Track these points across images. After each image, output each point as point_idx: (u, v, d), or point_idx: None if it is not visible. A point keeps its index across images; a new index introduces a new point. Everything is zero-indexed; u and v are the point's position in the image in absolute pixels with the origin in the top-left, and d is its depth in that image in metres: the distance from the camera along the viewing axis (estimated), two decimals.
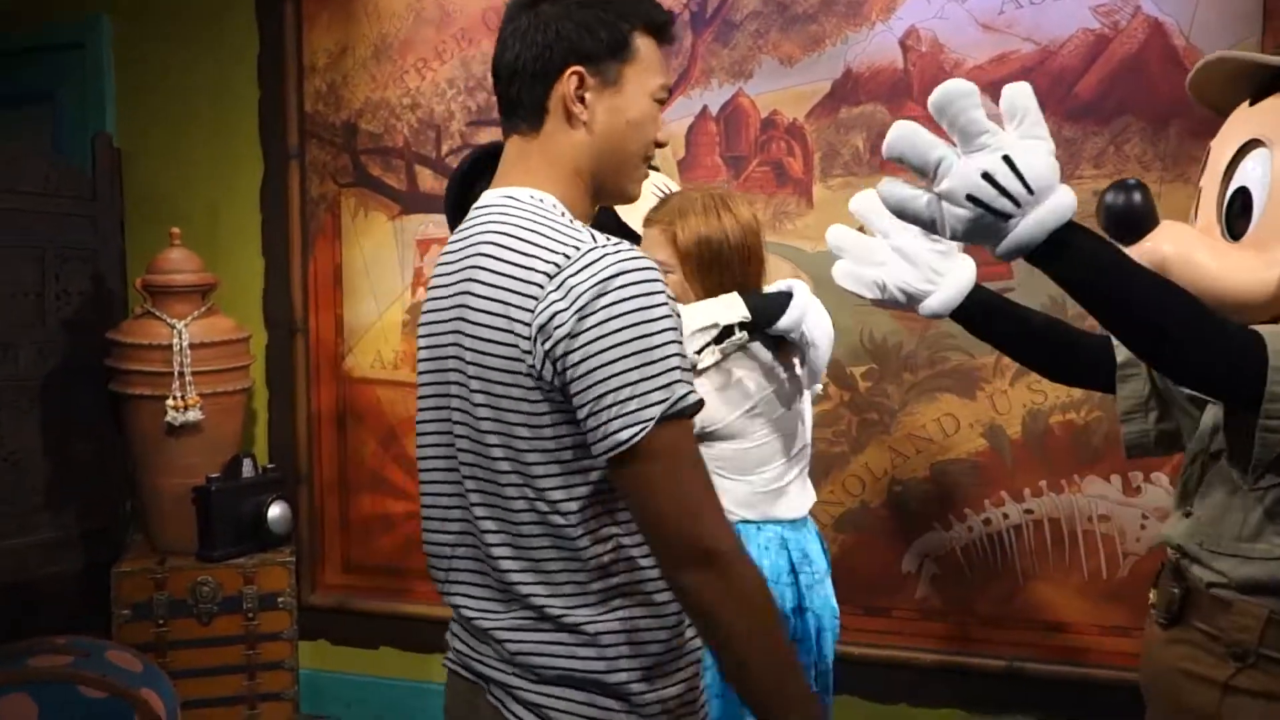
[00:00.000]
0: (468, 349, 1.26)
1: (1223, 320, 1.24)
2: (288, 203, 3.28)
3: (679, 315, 1.21)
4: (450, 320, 1.30)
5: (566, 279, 1.18)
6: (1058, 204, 1.16)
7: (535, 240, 1.23)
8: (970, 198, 1.16)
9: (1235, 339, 1.23)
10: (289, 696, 2.79)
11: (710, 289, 2.07)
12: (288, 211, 3.28)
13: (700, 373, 2.00)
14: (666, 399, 1.15)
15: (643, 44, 1.31)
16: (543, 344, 1.18)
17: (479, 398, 1.25)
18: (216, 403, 2.99)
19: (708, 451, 1.99)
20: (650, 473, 1.16)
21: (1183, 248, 1.35)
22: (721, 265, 2.06)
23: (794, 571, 2.13)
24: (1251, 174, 1.36)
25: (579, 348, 1.16)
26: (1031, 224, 1.16)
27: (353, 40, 3.21)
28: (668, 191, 2.26)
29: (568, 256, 1.19)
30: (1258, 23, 2.55)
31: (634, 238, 2.16)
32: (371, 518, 3.30)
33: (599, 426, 1.16)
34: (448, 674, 1.43)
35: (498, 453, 1.25)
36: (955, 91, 1.16)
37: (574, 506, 1.23)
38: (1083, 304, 1.25)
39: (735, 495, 2.07)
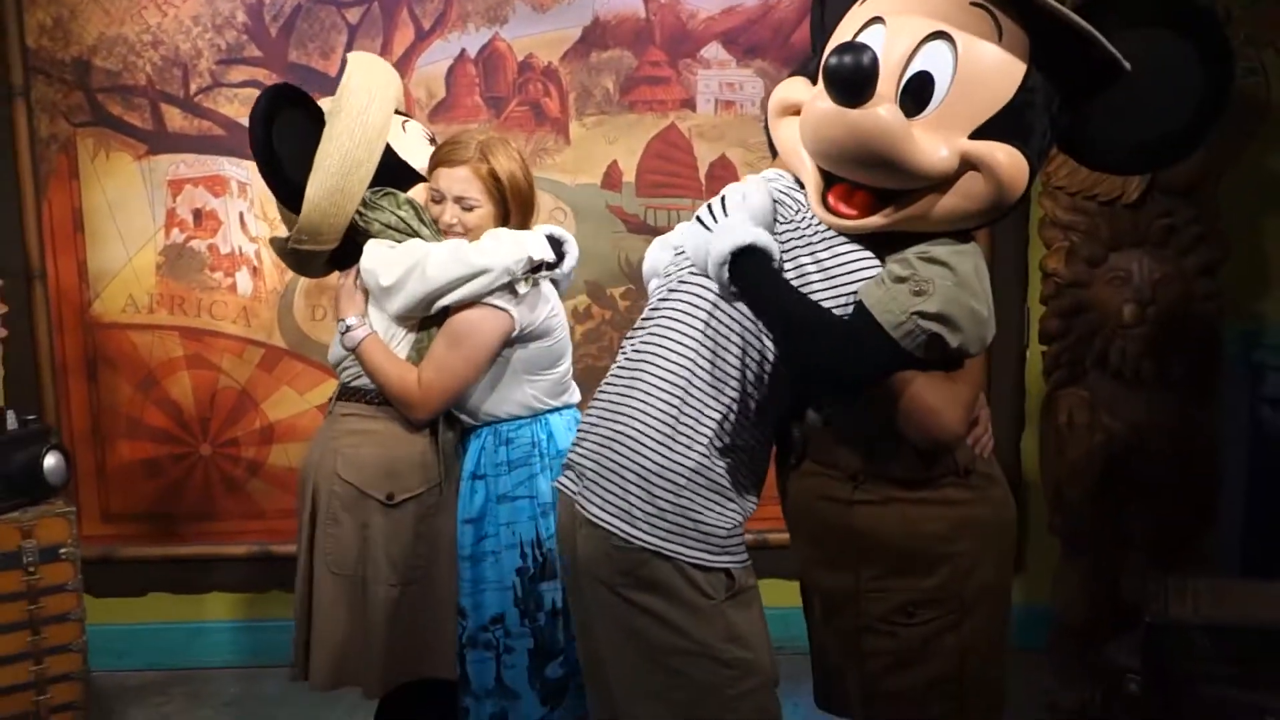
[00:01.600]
0: None
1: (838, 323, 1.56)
2: (15, 143, 3.10)
3: None
4: None
5: None
6: (736, 227, 1.57)
7: None
8: (697, 218, 1.65)
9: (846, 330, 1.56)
10: (77, 648, 2.72)
11: (507, 220, 2.26)
12: (15, 152, 3.10)
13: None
14: None
15: None
16: None
17: None
18: None
19: (523, 353, 2.25)
20: None
21: (899, 122, 1.46)
22: (521, 202, 2.27)
23: None
24: (933, 61, 1.49)
25: None
26: (717, 239, 1.57)
27: None
28: (430, 136, 2.41)
29: None
30: None
31: (416, 176, 2.30)
32: (131, 465, 3.23)
33: None
34: None
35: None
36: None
37: None
38: (763, 322, 1.61)
39: (544, 387, 2.32)
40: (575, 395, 2.43)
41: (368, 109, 2.16)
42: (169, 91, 3.12)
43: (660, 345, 1.69)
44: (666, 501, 1.63)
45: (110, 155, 3.14)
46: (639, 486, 1.64)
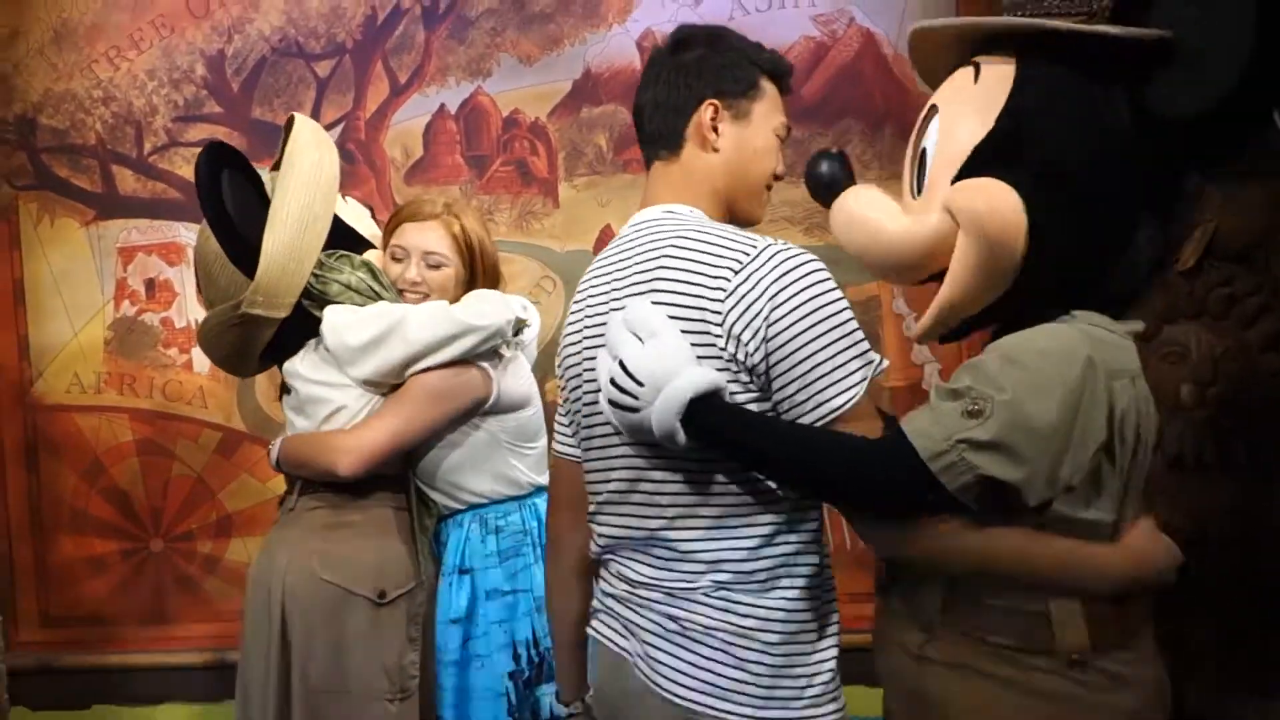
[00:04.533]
0: None
1: (856, 440, 1.30)
2: None
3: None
4: None
5: (752, 272, 1.35)
6: (672, 392, 1.30)
7: (714, 241, 1.40)
8: (610, 400, 1.37)
9: (872, 452, 1.29)
10: None
11: (470, 287, 2.14)
12: None
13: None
14: (866, 365, 1.34)
15: (767, 86, 1.54)
16: (735, 327, 1.34)
17: None
18: None
19: (501, 424, 2.11)
20: (856, 431, 1.31)
21: (861, 205, 1.42)
22: (488, 268, 2.15)
23: None
24: (929, 137, 1.40)
25: (778, 332, 1.33)
26: (657, 413, 1.31)
27: (25, 23, 2.84)
28: (370, 210, 2.35)
29: (747, 254, 1.36)
30: None
31: (362, 242, 2.17)
32: (74, 562, 2.93)
33: (810, 397, 1.33)
34: None
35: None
36: (614, 321, 1.40)
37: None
38: (748, 467, 1.37)
39: (530, 462, 2.17)
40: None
41: (320, 164, 2.03)
42: (121, 151, 2.87)
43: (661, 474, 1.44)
44: (758, 665, 1.39)
45: (55, 221, 2.88)
46: (721, 651, 1.39)
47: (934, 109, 1.40)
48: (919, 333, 1.42)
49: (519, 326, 2.10)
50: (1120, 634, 1.30)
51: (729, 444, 1.34)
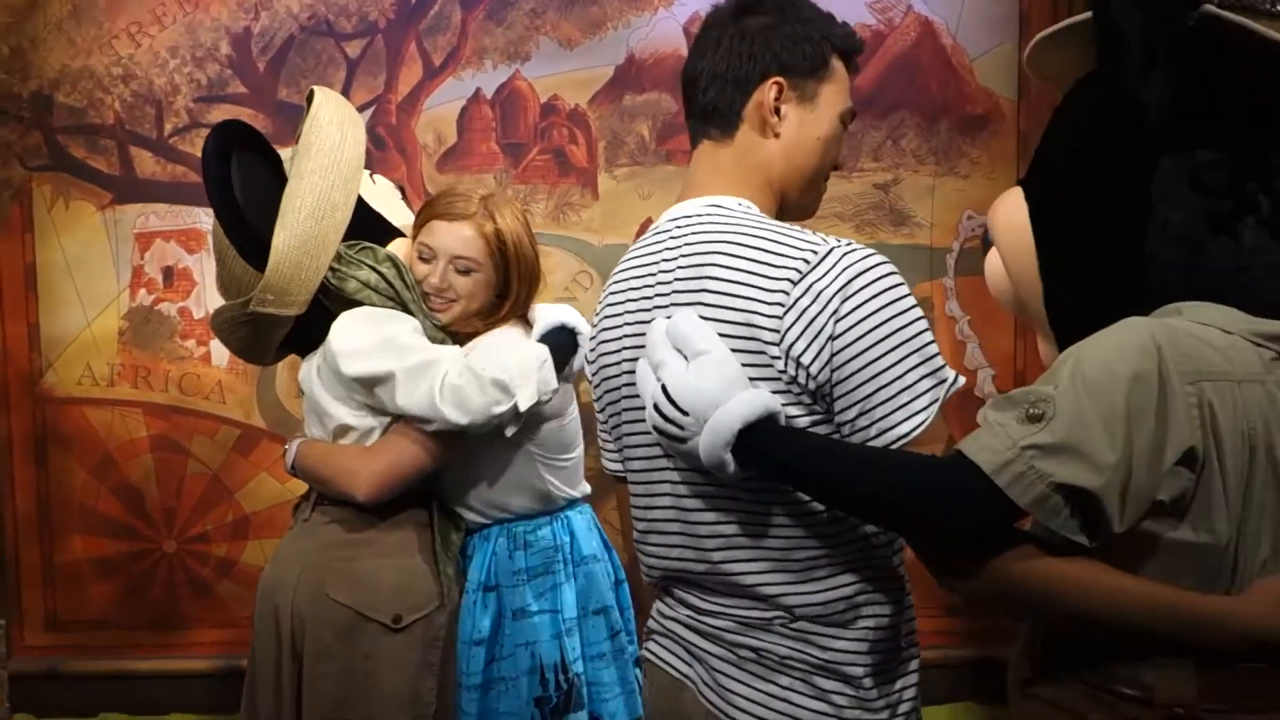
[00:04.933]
0: None
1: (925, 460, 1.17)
2: None
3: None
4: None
5: (814, 283, 1.20)
6: (719, 422, 1.16)
7: (769, 247, 1.24)
8: (655, 427, 1.22)
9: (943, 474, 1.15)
10: None
11: (507, 291, 1.97)
12: None
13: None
14: (937, 384, 1.19)
15: (837, 66, 1.36)
16: (795, 348, 1.20)
17: None
18: None
19: (531, 435, 1.96)
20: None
21: (994, 255, 1.37)
22: (525, 272, 1.97)
23: (605, 544, 2.14)
24: None
25: (841, 349, 1.18)
26: (704, 445, 1.17)
27: None
28: (401, 191, 2.16)
29: (808, 261, 1.21)
30: (1015, 26, 2.70)
31: (392, 232, 2.01)
32: (83, 563, 2.79)
33: (874, 423, 1.18)
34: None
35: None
36: (656, 332, 1.25)
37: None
38: (812, 497, 1.24)
39: (563, 475, 2.04)
40: (587, 488, 2.14)
41: (341, 146, 1.84)
42: (140, 132, 2.73)
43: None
44: (840, 696, 1.27)
45: (70, 204, 2.74)
46: (802, 682, 1.28)
47: None
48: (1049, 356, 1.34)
49: (542, 396, 1.88)
50: (1243, 691, 1.12)
51: (786, 474, 1.20)
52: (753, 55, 1.32)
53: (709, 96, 1.35)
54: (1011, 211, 1.31)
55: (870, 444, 1.18)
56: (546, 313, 1.98)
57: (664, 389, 1.19)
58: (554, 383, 1.89)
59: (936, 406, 1.19)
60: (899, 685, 1.30)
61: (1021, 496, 1.07)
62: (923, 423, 1.18)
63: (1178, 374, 1.10)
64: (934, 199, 2.71)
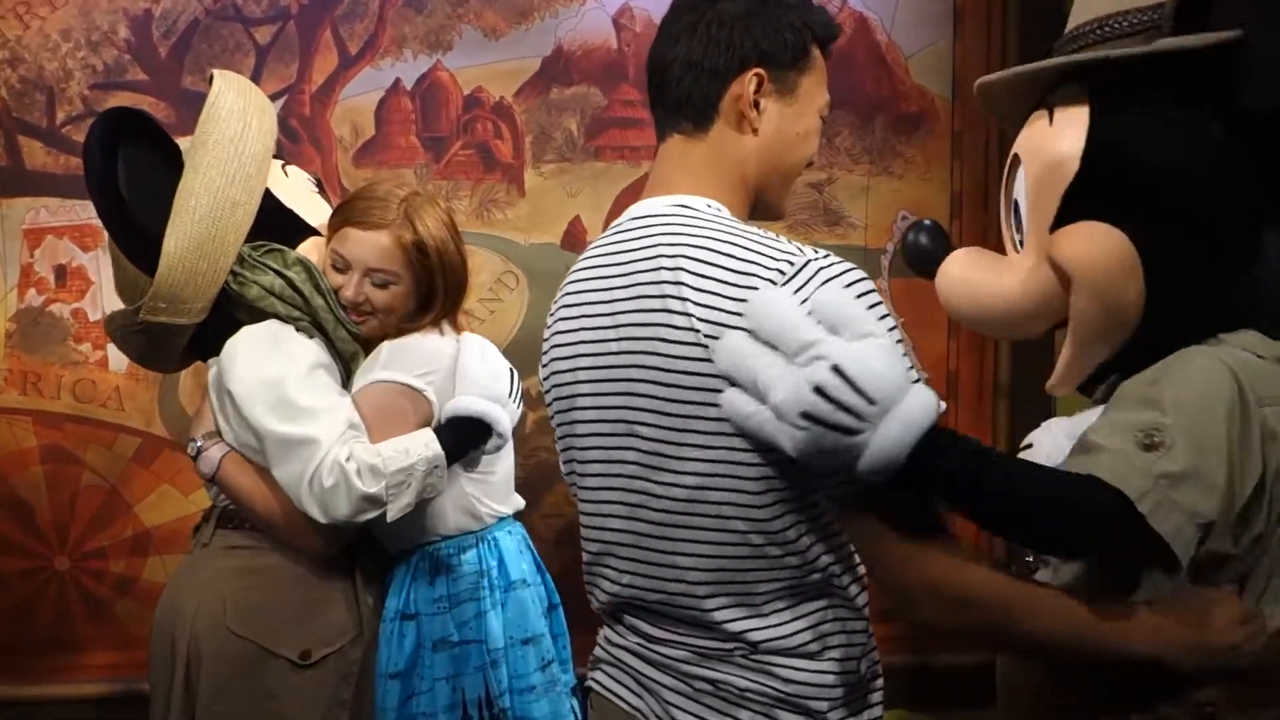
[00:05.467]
0: (663, 370, 1.17)
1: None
2: None
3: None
4: (623, 343, 1.21)
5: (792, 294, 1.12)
6: (911, 410, 1.02)
7: (740, 254, 1.16)
8: (805, 415, 1.03)
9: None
10: None
11: (431, 303, 1.84)
12: None
13: None
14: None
15: (817, 55, 1.29)
16: None
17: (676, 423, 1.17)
18: None
19: None
20: None
21: (964, 269, 1.33)
22: (450, 280, 1.84)
23: (538, 566, 2.04)
24: (1018, 189, 1.32)
25: None
26: (888, 439, 1.01)
27: None
28: (316, 184, 1.98)
29: (783, 272, 1.14)
30: (949, 25, 2.66)
31: (305, 229, 1.86)
32: None
33: None
34: None
35: (693, 481, 1.16)
36: (761, 302, 1.10)
37: (793, 535, 1.17)
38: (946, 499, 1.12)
39: (488, 489, 1.94)
40: (519, 501, 2.03)
41: (243, 137, 1.69)
42: (29, 121, 2.55)
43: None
44: None
45: None
46: (764, 716, 1.19)
47: (1017, 159, 1.30)
48: (1053, 385, 1.27)
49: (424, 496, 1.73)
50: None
51: (945, 483, 1.06)
52: (731, 43, 1.24)
53: (683, 87, 1.26)
54: (1102, 244, 1.20)
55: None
56: (465, 401, 1.79)
57: (837, 370, 1.01)
58: (441, 488, 1.75)
59: None
60: (866, 715, 1.23)
61: (1161, 524, 1.03)
62: None
63: (1255, 400, 1.11)
64: (868, 199, 2.66)
